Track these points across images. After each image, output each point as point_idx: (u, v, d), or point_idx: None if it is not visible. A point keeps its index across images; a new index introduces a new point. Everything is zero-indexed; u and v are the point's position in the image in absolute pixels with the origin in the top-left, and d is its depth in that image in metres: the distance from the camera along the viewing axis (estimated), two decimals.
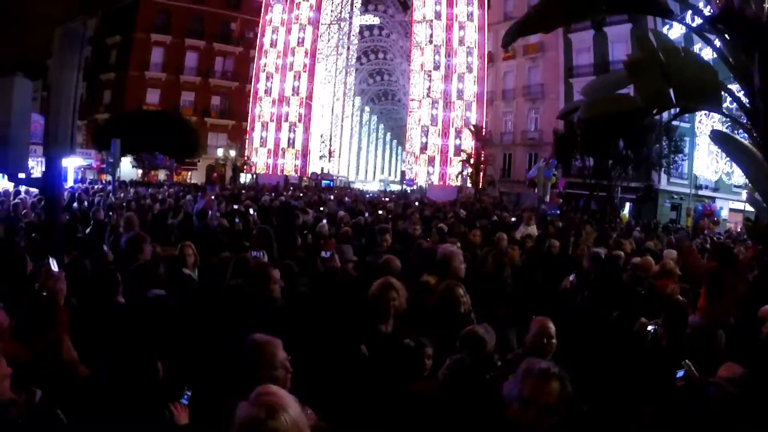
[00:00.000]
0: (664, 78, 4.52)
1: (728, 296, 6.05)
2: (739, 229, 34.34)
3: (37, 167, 17.84)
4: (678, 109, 5.04)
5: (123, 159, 31.67)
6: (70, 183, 25.77)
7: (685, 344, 4.77)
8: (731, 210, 38.08)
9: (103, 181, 28.63)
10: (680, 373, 3.90)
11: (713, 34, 4.93)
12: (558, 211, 18.57)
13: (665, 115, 31.02)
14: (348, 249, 6.79)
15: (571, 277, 6.88)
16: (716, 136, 7.41)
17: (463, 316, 4.56)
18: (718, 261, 6.61)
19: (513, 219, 16.14)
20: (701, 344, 5.02)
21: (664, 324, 4.94)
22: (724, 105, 5.22)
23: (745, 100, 4.70)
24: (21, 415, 2.81)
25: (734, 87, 4.95)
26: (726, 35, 4.71)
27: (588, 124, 29.62)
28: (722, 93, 4.87)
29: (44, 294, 3.57)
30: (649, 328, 5.09)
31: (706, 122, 37.49)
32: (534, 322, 4.08)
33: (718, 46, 4.82)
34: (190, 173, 51.11)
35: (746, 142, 5.37)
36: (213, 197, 14.87)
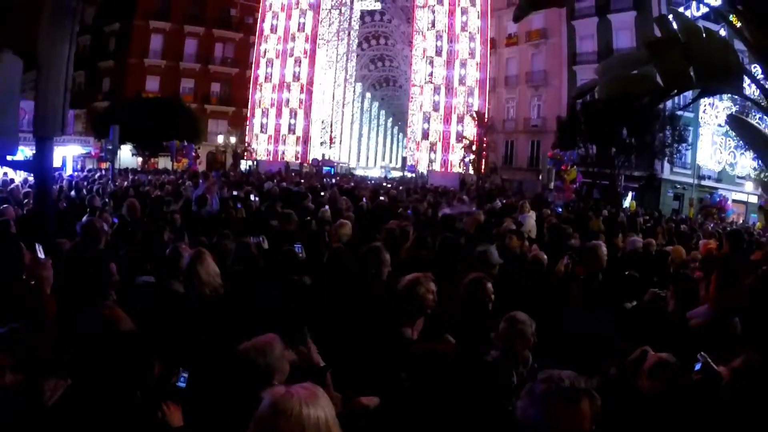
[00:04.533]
0: (685, 59, 4.34)
1: (741, 285, 5.86)
2: (741, 221, 34.24)
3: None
4: (691, 98, 4.90)
5: (123, 147, 31.43)
6: (69, 172, 25.57)
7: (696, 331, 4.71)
8: (733, 201, 37.94)
9: (103, 170, 28.38)
10: (698, 366, 3.73)
11: (731, 13, 4.75)
12: (560, 209, 18.20)
13: (669, 103, 30.86)
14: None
15: (565, 260, 6.45)
16: (732, 120, 7.23)
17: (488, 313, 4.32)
18: (730, 248, 6.40)
19: None
20: (714, 334, 4.89)
21: (674, 294, 5.03)
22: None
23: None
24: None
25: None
26: (744, 14, 4.53)
27: (591, 111, 29.46)
28: (743, 75, 4.69)
29: (32, 282, 3.36)
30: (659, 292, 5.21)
31: (711, 112, 37.29)
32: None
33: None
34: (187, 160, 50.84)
35: (762, 127, 5.23)
36: (213, 183, 14.65)
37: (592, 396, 2.29)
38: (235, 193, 14.05)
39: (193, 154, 42.63)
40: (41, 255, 3.49)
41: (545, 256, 6.79)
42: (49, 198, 4.45)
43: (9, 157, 4.12)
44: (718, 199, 30.87)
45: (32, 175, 10.51)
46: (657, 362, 3.39)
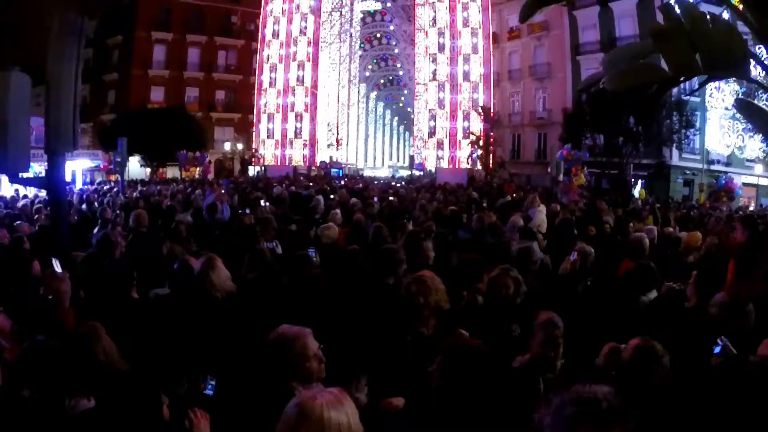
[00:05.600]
0: (691, 46, 4.32)
1: (758, 272, 5.81)
2: (752, 205, 33.94)
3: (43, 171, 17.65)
4: (697, 84, 4.85)
5: (131, 159, 31.55)
6: (79, 186, 25.76)
7: (714, 321, 4.67)
8: (744, 184, 37.63)
9: (112, 182, 28.52)
10: (717, 350, 3.71)
11: None
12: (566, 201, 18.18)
13: (675, 90, 30.61)
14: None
15: (573, 257, 6.11)
16: (740, 104, 7.19)
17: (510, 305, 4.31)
18: (747, 235, 6.35)
19: None
20: (731, 321, 4.86)
21: (694, 285, 5.08)
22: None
23: None
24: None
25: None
26: None
27: (597, 101, 29.29)
28: (749, 60, 4.66)
29: (50, 297, 3.39)
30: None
31: (717, 96, 36.99)
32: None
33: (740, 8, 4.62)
34: (198, 169, 51.04)
35: None
36: (223, 191, 14.68)
37: (625, 419, 2.04)
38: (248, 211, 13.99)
39: (206, 162, 42.91)
40: (58, 269, 3.52)
41: (592, 251, 6.41)
42: (63, 213, 4.48)
43: (22, 174, 4.17)
44: (724, 182, 30.59)
45: (43, 190, 10.59)
46: (637, 351, 3.19)
